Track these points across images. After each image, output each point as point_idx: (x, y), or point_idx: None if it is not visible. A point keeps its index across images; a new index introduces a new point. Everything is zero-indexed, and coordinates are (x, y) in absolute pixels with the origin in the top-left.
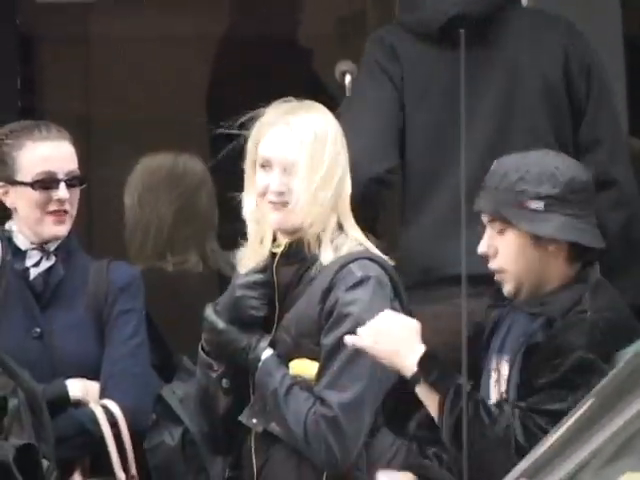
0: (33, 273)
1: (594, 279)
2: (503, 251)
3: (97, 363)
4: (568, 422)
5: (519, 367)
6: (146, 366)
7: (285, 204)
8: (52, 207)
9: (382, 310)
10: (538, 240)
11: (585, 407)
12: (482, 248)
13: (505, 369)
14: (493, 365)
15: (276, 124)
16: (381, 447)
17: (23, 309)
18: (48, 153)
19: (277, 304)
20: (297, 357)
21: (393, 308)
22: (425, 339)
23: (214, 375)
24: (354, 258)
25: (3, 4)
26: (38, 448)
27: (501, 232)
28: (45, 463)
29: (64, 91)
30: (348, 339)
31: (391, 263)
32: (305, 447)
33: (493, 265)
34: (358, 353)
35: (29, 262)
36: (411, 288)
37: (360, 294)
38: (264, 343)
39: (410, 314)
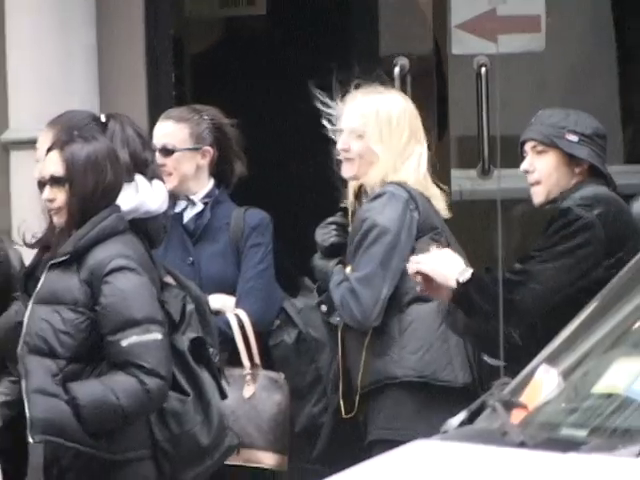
0: (186, 217)
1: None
2: (541, 168)
3: (234, 283)
4: (580, 318)
5: None
6: (270, 285)
7: (347, 159)
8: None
9: (393, 214)
10: (569, 161)
11: (593, 305)
12: (524, 166)
13: None
14: None
15: (348, 101)
16: (410, 318)
17: (180, 243)
18: (155, 129)
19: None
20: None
21: (412, 217)
22: None
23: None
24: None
25: (162, 21)
26: (205, 340)
27: (540, 154)
28: (210, 350)
29: (204, 84)
30: (413, 261)
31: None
32: (343, 317)
33: (532, 179)
34: (372, 244)
35: (178, 208)
36: None
37: (375, 204)
38: (334, 262)
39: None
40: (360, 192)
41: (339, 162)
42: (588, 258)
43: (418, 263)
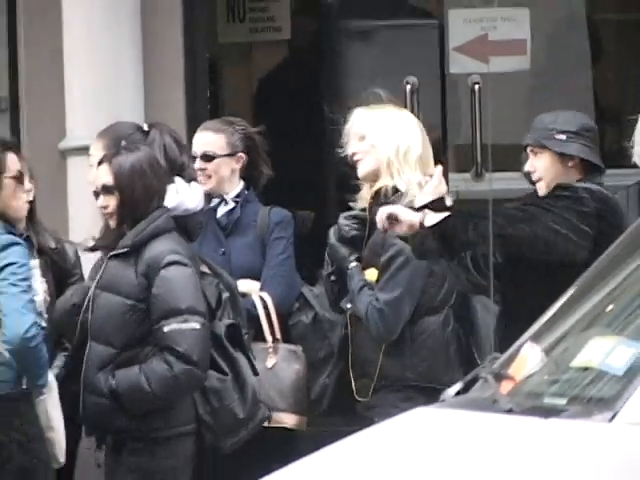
0: (219, 213)
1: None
2: (539, 167)
3: (260, 271)
4: (560, 301)
5: None
6: (291, 272)
7: (357, 160)
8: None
9: None
10: (562, 159)
11: (572, 290)
12: (527, 167)
13: None
14: None
15: (354, 113)
16: (421, 329)
17: (214, 236)
18: (195, 138)
19: (367, 231)
20: (370, 267)
21: None
22: None
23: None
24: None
25: (198, 46)
26: (239, 325)
27: (537, 155)
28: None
29: (234, 100)
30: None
31: None
32: (367, 325)
33: (534, 177)
34: (399, 268)
35: (212, 203)
36: None
37: None
38: (353, 257)
39: None
40: (377, 196)
41: (350, 165)
42: (582, 230)
43: (386, 210)
